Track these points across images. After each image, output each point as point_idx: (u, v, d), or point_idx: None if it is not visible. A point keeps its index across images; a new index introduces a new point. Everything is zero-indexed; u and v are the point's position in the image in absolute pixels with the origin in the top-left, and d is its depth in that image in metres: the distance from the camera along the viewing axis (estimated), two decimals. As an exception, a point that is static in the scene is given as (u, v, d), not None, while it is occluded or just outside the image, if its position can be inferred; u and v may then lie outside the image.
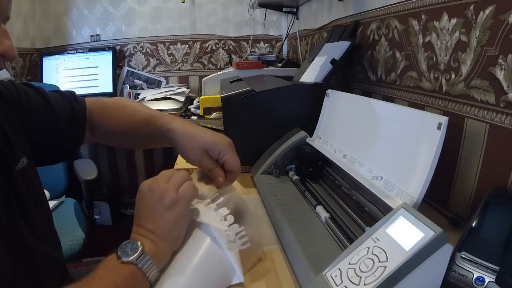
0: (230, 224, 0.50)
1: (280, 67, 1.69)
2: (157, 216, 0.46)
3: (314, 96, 0.88)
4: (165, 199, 0.46)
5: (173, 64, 2.29)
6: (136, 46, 2.24)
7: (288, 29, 2.02)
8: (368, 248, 0.41)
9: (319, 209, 0.62)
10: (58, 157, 0.66)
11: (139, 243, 0.43)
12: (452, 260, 0.42)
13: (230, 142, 0.58)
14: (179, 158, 1.00)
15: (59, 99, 0.64)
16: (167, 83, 2.27)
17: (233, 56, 2.28)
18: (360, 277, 0.38)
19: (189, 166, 0.80)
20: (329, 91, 0.83)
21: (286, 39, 2.15)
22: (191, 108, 1.88)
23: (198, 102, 1.75)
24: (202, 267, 0.47)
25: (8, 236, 0.46)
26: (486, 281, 0.39)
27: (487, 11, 0.58)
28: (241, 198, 0.55)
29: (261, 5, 1.88)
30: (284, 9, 1.86)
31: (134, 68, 2.26)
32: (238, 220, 0.51)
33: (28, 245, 0.49)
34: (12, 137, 0.53)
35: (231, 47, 2.29)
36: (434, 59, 0.72)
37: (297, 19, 1.87)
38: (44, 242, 0.52)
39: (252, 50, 2.29)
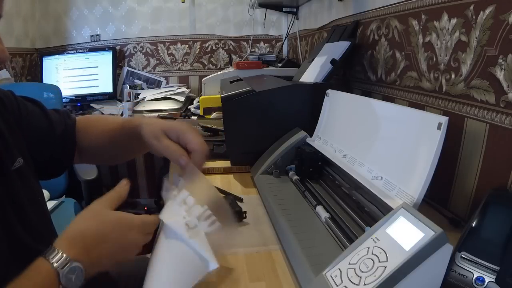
0: (191, 208, 0.47)
1: (280, 67, 1.69)
2: (108, 256, 0.44)
3: (314, 96, 0.88)
4: (127, 253, 0.45)
5: (173, 64, 2.28)
6: (136, 46, 2.24)
7: (288, 29, 2.02)
8: (368, 248, 0.41)
9: (319, 209, 0.62)
10: (50, 169, 0.65)
11: (83, 270, 0.40)
12: (452, 260, 0.42)
13: (190, 126, 0.57)
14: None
15: (55, 114, 0.66)
16: (167, 83, 2.27)
17: (233, 56, 2.28)
18: (360, 277, 0.38)
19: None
20: (329, 91, 0.83)
21: (286, 39, 2.15)
22: (191, 108, 1.88)
23: (198, 102, 1.75)
24: (169, 269, 0.45)
25: (1, 235, 0.46)
26: (486, 281, 0.39)
27: (487, 11, 0.58)
28: (209, 184, 0.52)
29: (261, 5, 1.88)
30: (284, 9, 1.86)
31: (134, 68, 2.26)
32: (207, 205, 0.49)
33: (23, 244, 0.49)
34: (9, 138, 0.53)
35: (231, 47, 2.29)
36: (434, 59, 0.72)
37: (297, 19, 1.87)
38: (40, 242, 0.52)
39: (252, 50, 2.29)
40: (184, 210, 0.47)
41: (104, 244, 0.43)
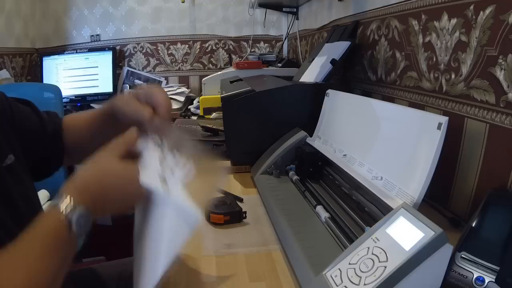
0: (163, 159, 0.47)
1: (280, 67, 1.69)
2: (111, 203, 0.45)
3: (314, 96, 0.88)
4: (128, 203, 0.46)
5: (173, 64, 2.28)
6: (136, 46, 2.24)
7: (288, 29, 2.02)
8: (368, 248, 0.41)
9: (319, 209, 0.62)
10: (42, 169, 0.66)
11: (89, 214, 0.42)
12: (452, 260, 0.42)
13: (158, 87, 0.59)
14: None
15: (45, 114, 0.67)
16: (167, 83, 2.27)
17: (233, 56, 2.28)
18: (360, 277, 0.38)
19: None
20: (329, 91, 0.83)
21: (286, 39, 2.15)
22: (191, 108, 1.88)
23: (198, 102, 1.75)
24: (153, 236, 0.45)
25: None
26: (486, 281, 0.39)
27: (487, 11, 0.58)
28: (179, 133, 0.52)
29: (261, 5, 1.87)
30: (284, 9, 1.86)
31: (134, 68, 2.26)
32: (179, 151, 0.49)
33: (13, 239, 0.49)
34: (0, 134, 0.53)
35: (231, 47, 2.29)
36: (434, 59, 0.72)
37: (297, 19, 1.87)
38: None
39: (252, 50, 2.29)
40: (158, 164, 0.47)
41: (108, 192, 0.45)
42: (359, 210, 0.59)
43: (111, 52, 2.09)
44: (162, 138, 0.51)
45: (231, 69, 1.73)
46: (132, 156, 0.48)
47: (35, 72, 2.10)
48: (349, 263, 0.41)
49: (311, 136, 0.83)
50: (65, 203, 0.40)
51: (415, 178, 0.48)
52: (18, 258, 0.37)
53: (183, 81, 2.31)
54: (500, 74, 0.56)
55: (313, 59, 1.15)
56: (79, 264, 1.10)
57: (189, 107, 1.91)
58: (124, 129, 0.55)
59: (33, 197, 0.59)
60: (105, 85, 2.08)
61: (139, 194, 0.46)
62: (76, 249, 0.42)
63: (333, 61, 0.99)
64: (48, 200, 1.36)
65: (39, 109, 0.66)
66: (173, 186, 0.46)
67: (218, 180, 0.52)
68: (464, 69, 0.64)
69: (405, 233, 0.39)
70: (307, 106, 0.89)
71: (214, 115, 1.56)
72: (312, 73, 1.08)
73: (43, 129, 0.63)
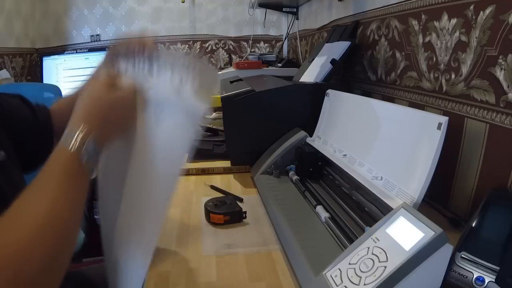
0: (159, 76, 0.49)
1: (280, 67, 1.69)
2: (114, 126, 0.46)
3: (314, 96, 0.88)
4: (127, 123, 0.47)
5: (173, 64, 2.28)
6: (136, 46, 2.24)
7: (288, 29, 2.02)
8: (368, 248, 0.41)
9: (319, 209, 0.62)
10: (40, 159, 0.65)
11: (98, 146, 0.43)
12: (452, 260, 0.42)
13: None
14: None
15: (35, 104, 0.67)
16: (167, 83, 2.27)
17: (233, 56, 2.28)
18: (360, 277, 0.38)
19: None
20: (329, 91, 0.83)
21: (286, 39, 2.15)
22: (191, 108, 1.88)
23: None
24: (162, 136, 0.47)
25: None
26: (486, 281, 0.39)
27: (487, 11, 0.58)
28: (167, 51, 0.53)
29: (261, 5, 1.87)
30: (284, 9, 1.86)
31: (134, 68, 2.26)
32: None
33: None
34: None
35: (231, 47, 2.29)
36: (434, 59, 0.72)
37: (297, 19, 1.87)
38: None
39: (252, 50, 2.29)
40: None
41: (109, 116, 0.45)
42: (359, 210, 0.59)
43: (111, 52, 2.09)
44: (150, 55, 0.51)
45: (231, 69, 1.73)
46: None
47: (35, 72, 2.10)
48: (349, 263, 0.41)
49: (311, 136, 0.83)
50: (72, 136, 0.41)
51: (415, 178, 0.48)
52: (37, 194, 0.39)
53: (183, 81, 2.31)
54: (500, 74, 0.56)
55: (313, 59, 1.15)
56: (79, 264, 1.10)
57: (189, 107, 1.91)
58: None
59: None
60: (105, 85, 2.08)
61: (135, 108, 0.47)
62: (89, 180, 0.43)
63: (333, 61, 0.99)
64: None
65: None
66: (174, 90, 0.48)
67: (215, 80, 0.54)
68: (464, 69, 0.64)
69: (405, 233, 0.39)
70: (307, 106, 0.89)
71: (214, 115, 1.56)
72: (312, 73, 1.08)
73: (35, 119, 0.63)
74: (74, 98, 0.66)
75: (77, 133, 0.42)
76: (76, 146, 0.41)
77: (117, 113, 0.47)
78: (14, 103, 0.63)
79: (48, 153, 0.66)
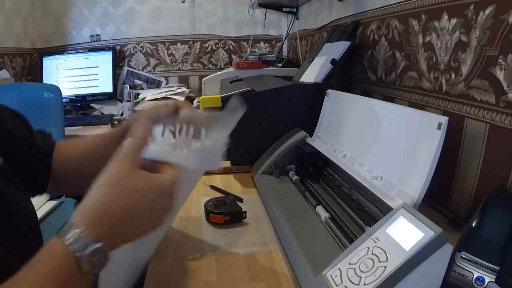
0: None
1: (280, 67, 1.69)
2: (136, 230, 0.38)
3: (314, 96, 0.88)
4: (157, 222, 0.39)
5: (173, 64, 2.28)
6: (136, 46, 2.24)
7: (288, 29, 2.02)
8: (368, 248, 0.41)
9: (319, 209, 0.62)
10: (29, 182, 0.60)
11: (106, 250, 0.34)
12: (452, 260, 0.42)
13: None
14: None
15: (37, 132, 0.64)
16: (167, 83, 2.27)
17: (233, 56, 2.28)
18: (360, 277, 0.38)
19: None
20: (329, 91, 0.84)
21: (286, 39, 2.15)
22: (191, 108, 1.88)
23: (198, 102, 1.75)
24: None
25: None
26: (486, 281, 0.39)
27: (487, 11, 0.58)
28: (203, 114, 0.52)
29: (261, 5, 1.87)
30: (284, 9, 1.86)
31: (134, 68, 2.26)
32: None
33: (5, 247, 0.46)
34: None
35: (231, 47, 2.29)
36: (434, 59, 0.72)
37: (297, 19, 1.87)
38: (22, 243, 0.49)
39: (252, 50, 2.29)
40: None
41: (133, 219, 0.36)
42: (359, 210, 0.59)
43: (111, 52, 2.09)
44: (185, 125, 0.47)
45: (231, 69, 1.73)
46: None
47: (35, 72, 2.10)
48: (349, 263, 0.41)
49: (311, 136, 0.83)
50: (74, 238, 0.33)
51: (415, 178, 0.48)
52: None
53: (183, 81, 2.31)
54: (500, 74, 0.56)
55: (313, 59, 1.15)
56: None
57: (189, 107, 1.91)
58: None
59: (24, 198, 0.55)
60: (105, 85, 2.08)
61: (167, 210, 0.39)
62: (89, 286, 0.35)
63: (333, 61, 0.99)
64: (47, 201, 1.36)
65: (39, 110, 0.64)
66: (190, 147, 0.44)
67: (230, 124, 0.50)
68: (464, 69, 0.64)
69: (405, 233, 0.39)
70: (307, 106, 0.90)
71: (214, 115, 1.55)
72: (312, 73, 1.08)
73: (32, 144, 0.60)
74: (90, 143, 0.63)
75: (81, 233, 0.33)
76: (76, 251, 0.33)
77: (146, 208, 0.37)
78: (14, 119, 0.59)
79: (39, 186, 0.62)
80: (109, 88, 2.09)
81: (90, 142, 0.64)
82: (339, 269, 0.41)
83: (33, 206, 0.57)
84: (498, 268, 0.40)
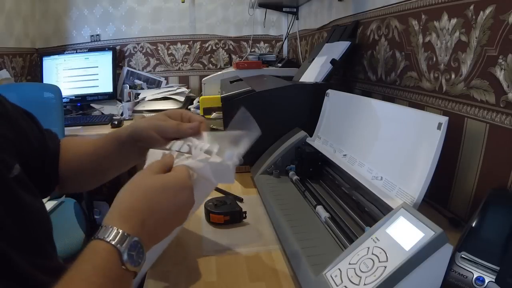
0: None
1: (280, 67, 1.69)
2: (164, 224, 0.41)
3: (314, 96, 0.88)
4: (182, 215, 0.43)
5: (173, 64, 2.28)
6: (136, 46, 2.24)
7: (288, 29, 2.02)
8: (368, 248, 0.41)
9: (319, 209, 0.62)
10: (41, 184, 0.60)
11: (142, 245, 0.37)
12: (452, 260, 0.42)
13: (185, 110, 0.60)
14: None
15: (45, 130, 0.64)
16: (167, 83, 2.27)
17: (233, 56, 2.28)
18: (360, 277, 0.38)
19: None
20: (329, 91, 0.83)
21: (286, 39, 2.15)
22: (191, 108, 1.88)
23: (198, 102, 1.75)
24: None
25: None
26: (486, 281, 0.39)
27: (487, 11, 0.58)
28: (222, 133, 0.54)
29: (261, 5, 1.87)
30: (284, 9, 1.86)
31: (134, 68, 2.26)
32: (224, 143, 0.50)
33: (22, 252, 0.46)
34: (3, 142, 0.50)
35: (231, 47, 2.29)
36: (434, 59, 0.72)
37: (297, 19, 1.87)
38: (39, 254, 0.49)
39: (252, 50, 2.29)
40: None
41: (158, 212, 0.40)
42: (359, 210, 0.59)
43: (111, 52, 2.09)
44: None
45: (231, 69, 1.73)
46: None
47: (35, 72, 2.10)
48: (349, 263, 0.41)
49: (311, 136, 0.83)
50: (113, 235, 0.36)
51: (415, 178, 0.48)
52: None
53: (183, 81, 2.31)
54: (500, 74, 0.56)
55: (313, 59, 1.15)
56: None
57: (189, 107, 1.92)
58: (142, 152, 0.55)
59: (41, 205, 0.56)
60: (105, 85, 2.08)
61: (189, 202, 0.43)
62: (132, 285, 0.37)
63: (333, 61, 0.99)
64: (47, 201, 1.36)
65: (39, 110, 0.63)
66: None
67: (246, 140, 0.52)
68: (464, 69, 0.64)
69: (405, 233, 0.39)
70: (307, 106, 0.89)
71: (214, 115, 1.56)
72: (312, 73, 1.08)
73: (44, 145, 0.60)
74: (95, 142, 0.63)
75: (119, 229, 0.36)
76: (116, 241, 0.35)
77: (170, 204, 0.41)
78: (27, 122, 0.59)
79: (47, 188, 0.62)
80: (109, 88, 2.09)
81: (93, 142, 0.64)
82: (339, 269, 0.41)
83: (47, 213, 0.56)
84: (498, 268, 0.40)
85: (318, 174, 0.77)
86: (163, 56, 2.27)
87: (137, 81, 2.23)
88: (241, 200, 0.75)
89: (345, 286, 0.39)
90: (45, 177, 0.60)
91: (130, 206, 0.39)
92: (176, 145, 0.51)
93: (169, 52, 2.26)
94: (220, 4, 2.22)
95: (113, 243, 0.35)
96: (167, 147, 0.52)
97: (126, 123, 1.83)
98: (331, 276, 0.41)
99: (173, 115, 0.56)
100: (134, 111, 1.84)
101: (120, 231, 0.36)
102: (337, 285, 0.40)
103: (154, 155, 0.52)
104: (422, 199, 0.47)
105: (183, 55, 2.28)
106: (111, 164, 0.64)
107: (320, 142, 0.80)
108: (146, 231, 0.39)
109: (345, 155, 0.67)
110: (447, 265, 0.38)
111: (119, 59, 2.23)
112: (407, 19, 0.82)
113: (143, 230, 0.38)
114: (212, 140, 0.51)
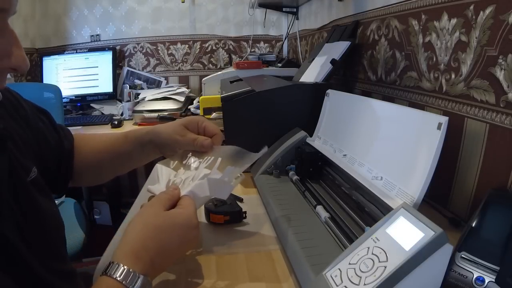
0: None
1: (280, 67, 1.69)
2: (170, 260, 0.45)
3: (314, 96, 0.88)
4: (186, 249, 0.48)
5: (173, 64, 2.28)
6: (136, 46, 2.24)
7: (288, 29, 2.02)
8: (368, 248, 0.41)
9: (319, 209, 0.62)
10: (55, 184, 0.62)
11: (150, 282, 0.41)
12: (452, 260, 0.42)
13: (201, 116, 0.64)
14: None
15: (60, 128, 0.64)
16: (167, 83, 2.27)
17: (233, 56, 2.28)
18: (360, 277, 0.38)
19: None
20: (329, 91, 0.83)
21: (286, 39, 2.15)
22: (191, 108, 1.88)
23: (198, 102, 1.75)
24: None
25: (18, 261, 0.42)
26: (486, 281, 0.39)
27: (487, 11, 0.58)
28: (229, 148, 0.58)
29: (261, 5, 1.87)
30: (284, 9, 1.86)
31: (134, 68, 2.26)
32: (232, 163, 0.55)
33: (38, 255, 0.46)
34: (22, 145, 0.50)
35: (231, 47, 2.29)
36: (434, 59, 0.72)
37: (297, 19, 1.87)
38: (55, 258, 0.50)
39: (252, 50, 2.29)
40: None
41: (167, 250, 0.43)
42: (359, 210, 0.59)
43: (111, 52, 2.09)
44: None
45: (231, 69, 1.73)
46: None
47: (35, 72, 2.10)
48: (349, 263, 0.41)
49: (311, 136, 0.83)
50: (124, 274, 0.38)
51: (415, 178, 0.48)
52: None
53: (183, 81, 2.31)
54: (500, 74, 0.56)
55: (313, 59, 1.15)
56: (79, 264, 1.10)
57: (189, 107, 1.92)
58: (162, 152, 0.62)
59: (56, 209, 0.56)
60: (105, 85, 2.09)
61: (194, 240, 0.47)
62: None
63: (333, 61, 0.99)
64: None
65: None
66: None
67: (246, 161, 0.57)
68: (464, 69, 0.64)
69: (405, 233, 0.39)
70: (307, 106, 0.89)
71: (214, 115, 1.56)
72: (312, 73, 1.08)
73: (60, 145, 0.61)
74: (109, 139, 0.66)
75: (130, 269, 0.39)
76: (127, 281, 0.38)
77: (175, 241, 0.44)
78: (42, 121, 0.59)
79: (62, 185, 0.64)
80: (109, 88, 2.09)
81: (110, 139, 0.67)
82: (339, 269, 0.41)
83: (61, 216, 0.57)
84: (498, 268, 0.40)
85: (318, 174, 0.77)
86: (163, 56, 2.27)
87: (137, 81, 2.23)
88: (241, 200, 0.75)
89: (345, 286, 0.39)
90: (60, 176, 0.62)
91: (142, 246, 0.41)
92: (190, 160, 0.58)
93: (169, 52, 2.26)
94: (220, 4, 2.22)
95: (124, 283, 0.38)
96: (183, 162, 0.58)
97: (126, 123, 1.83)
98: (331, 276, 0.41)
99: (191, 125, 0.60)
100: (134, 111, 1.84)
101: (133, 271, 0.39)
102: (337, 285, 0.40)
103: (161, 171, 0.57)
104: (422, 199, 0.47)
105: (183, 55, 2.28)
106: (131, 162, 0.68)
107: (320, 142, 0.80)
108: (154, 267, 0.42)
109: (345, 155, 0.67)
110: (447, 265, 0.38)
111: (119, 59, 2.23)
112: (407, 19, 0.82)
113: (152, 267, 0.41)
114: (218, 155, 0.56)
